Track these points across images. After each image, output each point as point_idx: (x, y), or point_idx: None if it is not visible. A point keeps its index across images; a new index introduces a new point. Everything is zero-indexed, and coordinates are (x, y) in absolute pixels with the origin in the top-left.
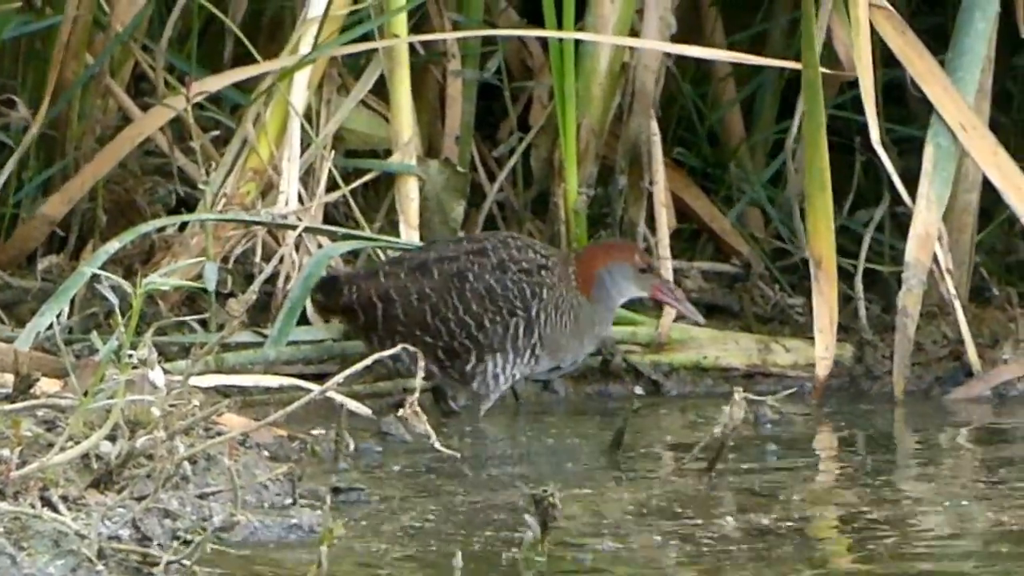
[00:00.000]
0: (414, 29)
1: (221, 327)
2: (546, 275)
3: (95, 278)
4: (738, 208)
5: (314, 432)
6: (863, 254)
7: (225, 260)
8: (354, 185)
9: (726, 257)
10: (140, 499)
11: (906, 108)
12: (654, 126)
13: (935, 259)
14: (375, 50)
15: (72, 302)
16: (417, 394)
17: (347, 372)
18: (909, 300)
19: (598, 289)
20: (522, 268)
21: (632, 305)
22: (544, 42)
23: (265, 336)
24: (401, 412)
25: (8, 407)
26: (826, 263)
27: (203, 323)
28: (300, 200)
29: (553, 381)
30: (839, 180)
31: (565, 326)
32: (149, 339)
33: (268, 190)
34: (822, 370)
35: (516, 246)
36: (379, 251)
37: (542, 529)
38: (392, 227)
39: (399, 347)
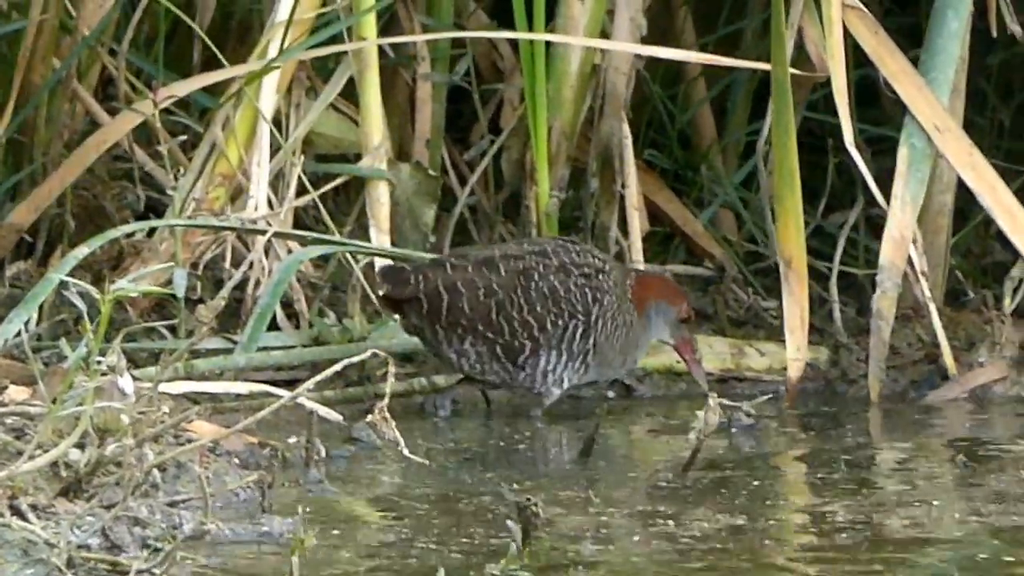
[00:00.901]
0: (383, 31)
1: (191, 333)
2: (604, 279)
3: (63, 284)
4: (710, 211)
5: (285, 439)
6: (837, 256)
7: (194, 266)
8: (324, 189)
9: (699, 260)
10: (110, 507)
11: (880, 109)
12: (625, 128)
13: (910, 261)
14: (344, 53)
15: (40, 309)
16: (387, 400)
17: (318, 378)
18: (884, 303)
19: (646, 316)
20: (583, 272)
21: None
22: (514, 44)
23: (235, 342)
24: (370, 418)
25: None
26: (796, 264)
27: (172, 329)
28: (270, 205)
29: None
30: (813, 181)
31: (617, 340)
32: (118, 346)
33: (237, 195)
34: (794, 372)
35: (576, 250)
36: (350, 256)
37: (524, 536)
38: (363, 231)
39: (368, 352)
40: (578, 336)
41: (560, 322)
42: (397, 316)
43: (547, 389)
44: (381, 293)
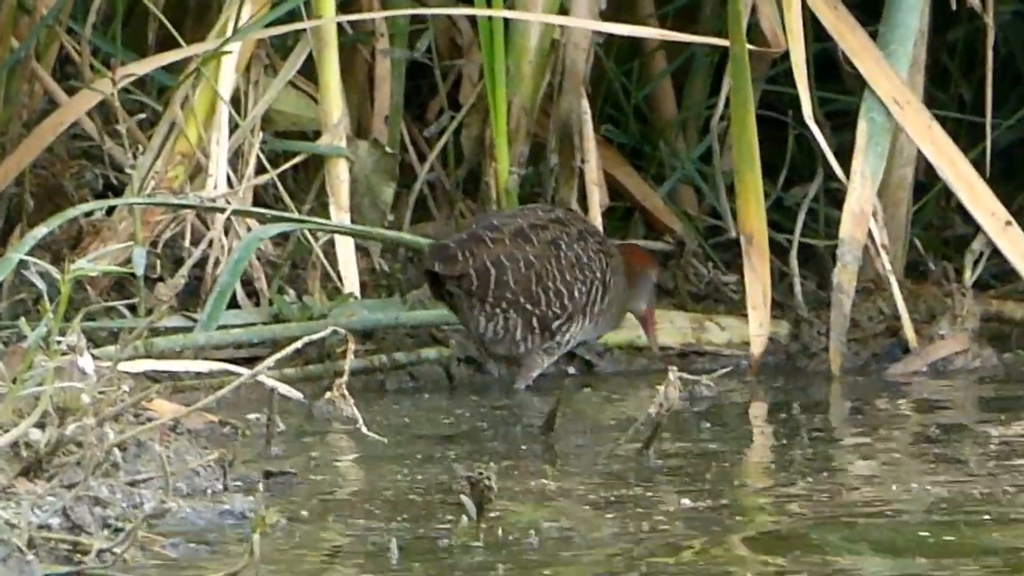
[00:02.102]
0: (342, 8)
1: (150, 312)
2: (607, 245)
3: (23, 264)
4: (668, 185)
5: (246, 417)
6: (798, 231)
7: (154, 244)
8: (283, 168)
9: (659, 235)
10: (70, 487)
11: (840, 82)
12: (585, 104)
13: (870, 235)
14: (303, 30)
15: (0, 288)
16: (346, 377)
17: (278, 356)
18: (844, 276)
19: (633, 282)
20: (597, 239)
21: None
22: (473, 20)
23: (195, 320)
24: (329, 395)
25: None
26: (757, 239)
27: (132, 308)
28: (229, 183)
29: (487, 362)
30: (773, 155)
31: (614, 302)
32: (78, 325)
33: (196, 173)
34: (757, 347)
35: (582, 218)
36: (310, 234)
37: (478, 511)
38: (322, 209)
39: (329, 329)
40: (598, 299)
41: (585, 288)
42: (434, 289)
43: (554, 355)
44: (431, 270)
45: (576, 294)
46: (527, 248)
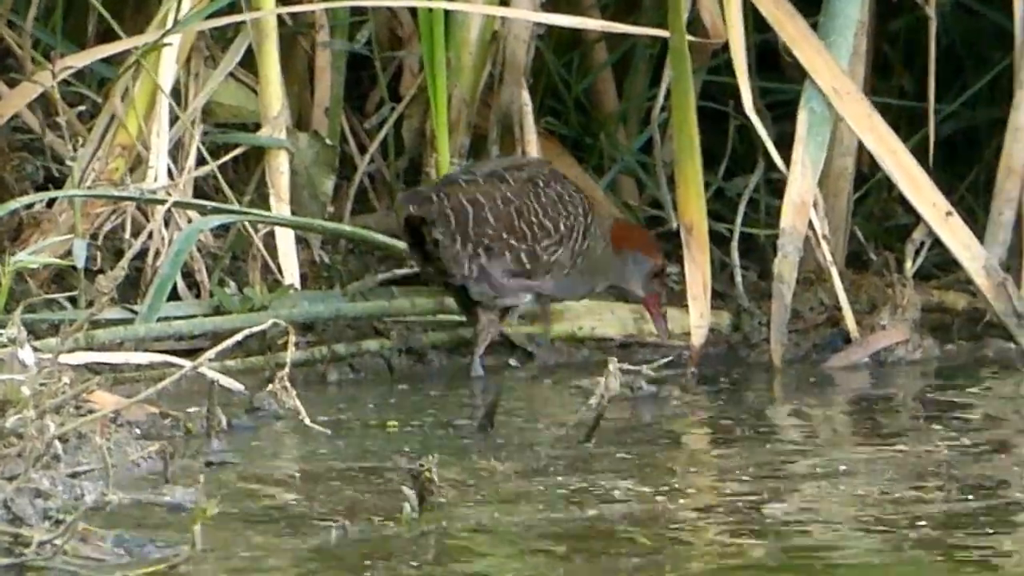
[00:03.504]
0: (282, 0)
1: (91, 304)
2: (585, 199)
3: None
4: (609, 176)
5: (187, 409)
6: (738, 221)
7: (94, 236)
8: (224, 159)
9: None
10: (11, 479)
11: (780, 73)
12: (525, 96)
13: (811, 225)
14: (243, 22)
15: None
16: (287, 369)
17: (219, 348)
18: (785, 267)
19: (620, 258)
20: (575, 186)
21: None
22: (414, 12)
23: (135, 312)
24: (271, 387)
25: None
26: (697, 229)
27: (73, 300)
28: (169, 175)
29: (427, 352)
30: (714, 145)
31: (589, 258)
32: (18, 317)
33: (137, 165)
34: (697, 338)
35: (551, 165)
36: (250, 226)
37: (420, 503)
38: (262, 200)
39: (270, 321)
40: (578, 237)
41: (568, 222)
42: (415, 247)
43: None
44: (407, 214)
45: (562, 227)
46: (502, 187)
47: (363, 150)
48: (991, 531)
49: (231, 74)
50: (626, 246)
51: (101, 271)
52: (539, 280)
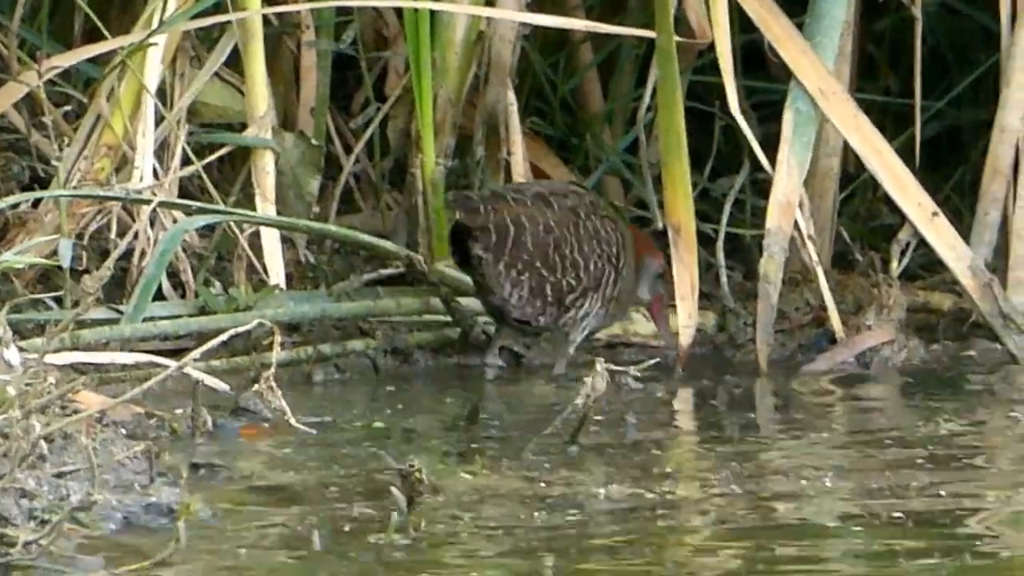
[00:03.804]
0: (267, 0)
1: (76, 304)
2: (621, 226)
3: None
4: (595, 176)
5: (172, 409)
6: (724, 221)
7: (80, 236)
8: (209, 159)
9: None
10: None
11: (767, 73)
12: (511, 96)
13: (797, 226)
14: (228, 22)
15: None
16: (273, 369)
17: (204, 348)
18: (771, 267)
19: (638, 271)
20: (608, 215)
21: None
22: (399, 12)
23: (121, 312)
24: (256, 387)
25: None
26: (685, 230)
27: (58, 300)
28: (155, 175)
29: (412, 352)
30: (700, 146)
31: (625, 291)
32: (3, 317)
33: (122, 165)
34: (685, 339)
35: (590, 192)
36: (235, 226)
37: (409, 505)
38: (248, 200)
39: (255, 321)
40: (610, 281)
41: (599, 263)
42: (458, 255)
43: (577, 334)
44: (457, 226)
45: (592, 267)
46: (548, 213)
47: (349, 150)
48: (971, 530)
49: (217, 74)
50: (641, 254)
51: (87, 271)
52: (573, 312)
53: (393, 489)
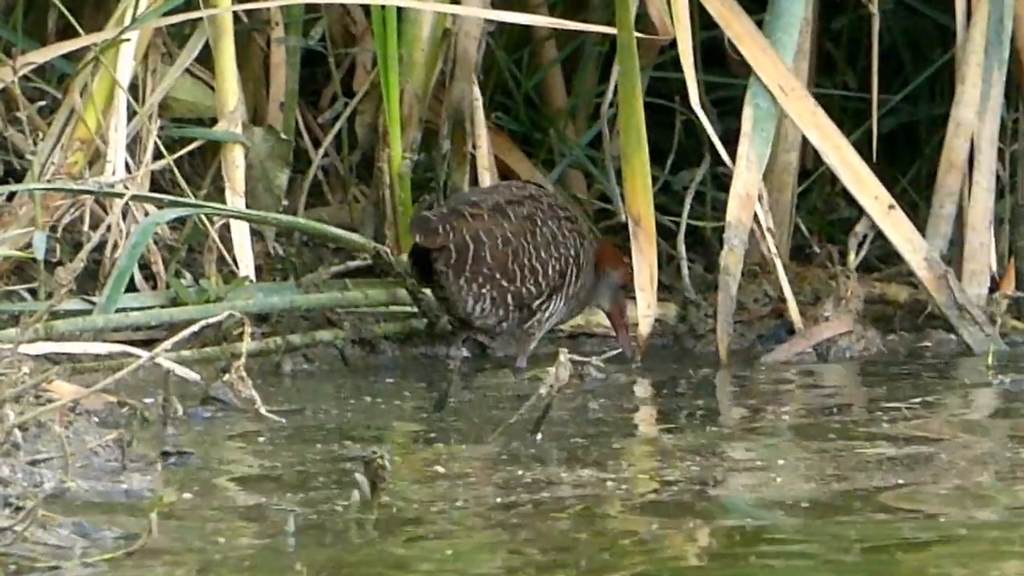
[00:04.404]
0: None
1: (50, 295)
2: (580, 225)
3: None
4: (558, 170)
5: (144, 398)
6: (685, 214)
7: (54, 229)
8: (180, 153)
9: None
10: None
11: (727, 69)
12: (476, 92)
13: (756, 218)
14: (199, 19)
15: None
16: (243, 359)
17: (175, 338)
18: (731, 259)
19: (598, 278)
20: (567, 215)
21: None
22: (367, 9)
23: (94, 303)
24: (227, 377)
25: None
26: (645, 222)
27: (32, 292)
28: (127, 169)
29: (379, 343)
30: (661, 140)
31: (583, 289)
32: None
33: (95, 159)
34: (645, 328)
35: (548, 193)
36: (206, 219)
37: (372, 489)
38: (218, 194)
39: (225, 312)
40: (572, 280)
41: (559, 266)
42: (418, 271)
43: (539, 333)
44: (417, 247)
45: (550, 271)
46: (505, 225)
47: (317, 144)
48: (925, 513)
49: (188, 70)
50: (605, 267)
51: (60, 263)
52: (539, 315)
53: (357, 476)
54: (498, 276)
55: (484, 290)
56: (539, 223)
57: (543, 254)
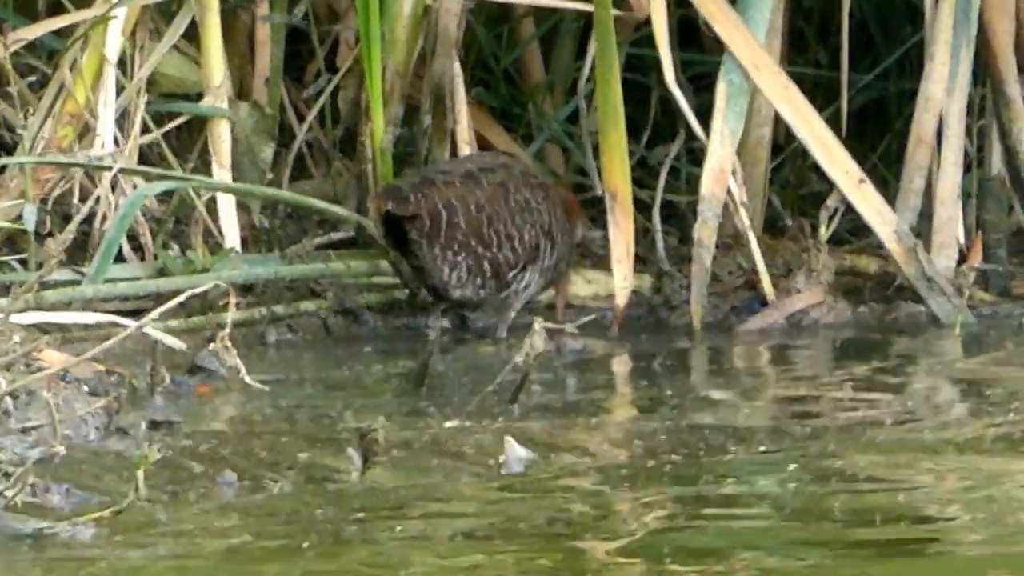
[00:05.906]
0: None
1: (40, 266)
2: (552, 193)
3: None
4: (536, 145)
5: (132, 367)
6: (660, 188)
7: (44, 201)
8: (167, 128)
9: None
10: None
11: (701, 46)
12: (457, 68)
13: (729, 192)
14: None
15: None
16: (228, 329)
17: (162, 308)
18: (705, 232)
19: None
20: (540, 183)
21: None
22: None
23: (83, 274)
24: (213, 346)
25: None
26: (621, 196)
27: (23, 262)
28: (116, 143)
29: (362, 313)
30: (637, 116)
31: (560, 256)
32: None
33: (85, 133)
34: (621, 299)
35: (520, 162)
36: (193, 192)
37: (364, 463)
38: (205, 167)
39: (211, 283)
40: (547, 253)
41: (533, 232)
42: (392, 239)
43: (518, 303)
44: (385, 211)
45: (526, 236)
46: (477, 192)
47: (301, 119)
48: (902, 498)
49: (175, 46)
50: (574, 216)
51: (50, 235)
52: (515, 285)
53: (349, 449)
54: (473, 243)
55: (459, 258)
56: (512, 190)
57: (518, 220)
